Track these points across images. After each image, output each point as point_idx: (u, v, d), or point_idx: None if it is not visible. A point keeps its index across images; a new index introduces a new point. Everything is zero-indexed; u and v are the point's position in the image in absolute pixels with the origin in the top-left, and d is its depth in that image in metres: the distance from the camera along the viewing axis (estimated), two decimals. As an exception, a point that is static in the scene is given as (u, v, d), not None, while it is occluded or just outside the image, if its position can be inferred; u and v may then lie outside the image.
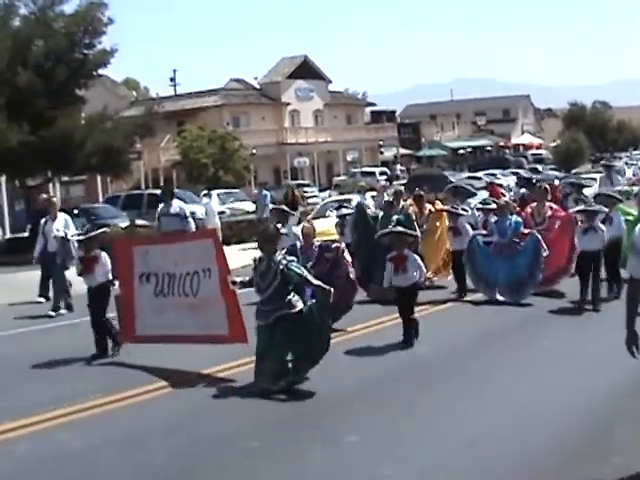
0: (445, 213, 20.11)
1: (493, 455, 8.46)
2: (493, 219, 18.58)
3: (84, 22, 35.92)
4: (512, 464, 8.22)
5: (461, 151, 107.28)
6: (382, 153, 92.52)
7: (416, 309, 14.29)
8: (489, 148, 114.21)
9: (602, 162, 38.88)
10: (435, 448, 8.77)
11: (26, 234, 38.16)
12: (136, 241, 16.01)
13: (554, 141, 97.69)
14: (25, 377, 12.81)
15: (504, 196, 24.52)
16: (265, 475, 8.34)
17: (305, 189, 66.39)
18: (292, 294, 11.21)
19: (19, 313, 19.38)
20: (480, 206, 21.10)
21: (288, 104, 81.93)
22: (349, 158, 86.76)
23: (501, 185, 30.17)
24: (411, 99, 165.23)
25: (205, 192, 33.55)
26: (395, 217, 18.33)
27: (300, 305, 11.15)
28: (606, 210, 16.82)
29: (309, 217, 20.31)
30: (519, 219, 18.15)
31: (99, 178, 50.82)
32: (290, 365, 10.99)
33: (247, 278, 12.10)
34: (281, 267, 11.09)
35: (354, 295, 15.39)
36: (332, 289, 11.16)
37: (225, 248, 14.12)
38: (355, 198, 26.49)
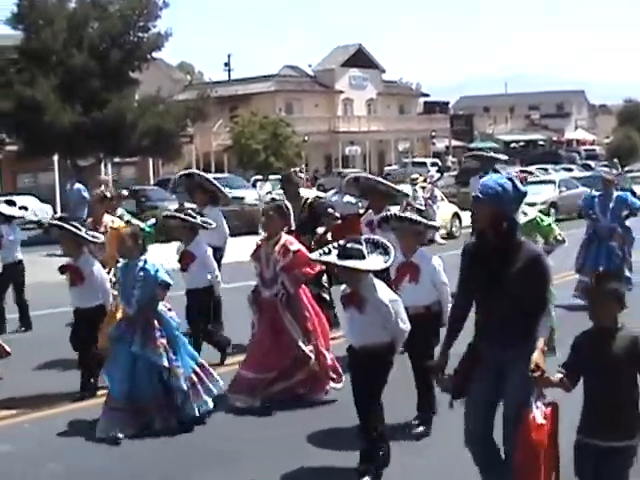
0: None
1: None
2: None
3: (139, 5, 36.28)
4: None
5: (514, 145, 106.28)
6: (434, 144, 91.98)
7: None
8: (542, 143, 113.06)
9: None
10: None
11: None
12: None
13: (607, 137, 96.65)
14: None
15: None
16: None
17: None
18: None
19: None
20: None
21: (341, 92, 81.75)
22: (401, 148, 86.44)
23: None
24: (464, 92, 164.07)
25: (260, 178, 33.32)
26: None
27: None
28: None
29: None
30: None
31: (151, 160, 51.10)
32: None
33: None
34: None
35: None
36: None
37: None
38: (405, 188, 25.47)
